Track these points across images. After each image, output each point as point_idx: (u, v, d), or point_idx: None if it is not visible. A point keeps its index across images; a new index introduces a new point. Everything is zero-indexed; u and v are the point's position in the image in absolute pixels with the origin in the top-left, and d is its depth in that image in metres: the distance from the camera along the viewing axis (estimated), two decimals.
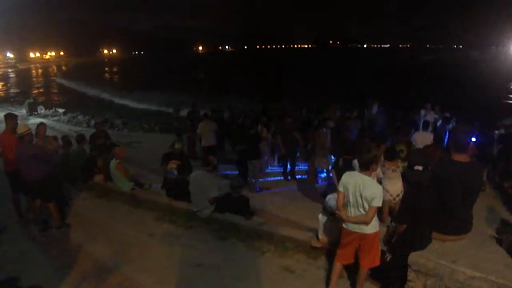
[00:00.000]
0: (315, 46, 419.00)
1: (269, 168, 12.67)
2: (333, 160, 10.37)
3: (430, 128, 12.33)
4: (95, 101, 42.96)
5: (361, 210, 4.84)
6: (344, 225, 5.15)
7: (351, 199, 4.91)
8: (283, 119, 11.59)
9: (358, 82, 49.26)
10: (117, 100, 42.99)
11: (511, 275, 4.30)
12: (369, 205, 4.75)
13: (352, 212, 4.95)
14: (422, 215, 4.68)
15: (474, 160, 4.86)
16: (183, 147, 10.77)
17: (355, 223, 4.96)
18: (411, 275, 4.78)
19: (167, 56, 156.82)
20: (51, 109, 31.64)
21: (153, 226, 8.17)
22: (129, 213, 8.92)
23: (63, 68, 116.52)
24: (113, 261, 6.72)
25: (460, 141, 4.62)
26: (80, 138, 11.38)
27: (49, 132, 10.01)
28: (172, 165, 9.69)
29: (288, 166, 11.56)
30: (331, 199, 6.44)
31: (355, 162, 8.32)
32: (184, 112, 16.94)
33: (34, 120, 22.82)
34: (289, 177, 11.47)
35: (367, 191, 4.74)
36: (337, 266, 5.32)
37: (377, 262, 5.06)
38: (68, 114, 29.33)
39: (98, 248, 7.22)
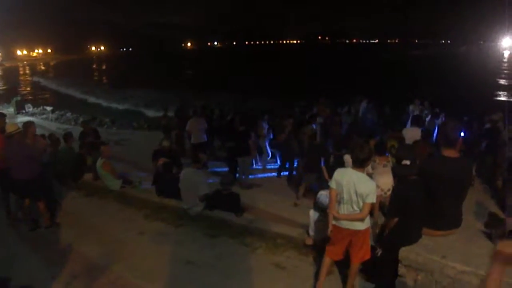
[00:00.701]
0: (303, 41, 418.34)
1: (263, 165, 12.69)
2: None
3: (419, 123, 12.38)
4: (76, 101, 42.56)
5: (355, 207, 4.81)
6: (334, 221, 5.12)
7: (345, 196, 4.86)
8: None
9: (347, 77, 49.35)
10: (93, 100, 42.76)
11: None
12: (363, 202, 4.73)
13: (344, 209, 4.92)
14: (411, 210, 4.70)
15: (463, 155, 4.88)
16: (171, 145, 10.74)
17: (350, 220, 4.93)
18: (401, 270, 4.81)
19: (154, 53, 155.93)
20: (39, 107, 31.42)
21: (143, 224, 8.12)
22: (119, 212, 8.87)
23: (41, 67, 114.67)
24: (104, 260, 6.67)
25: (449, 136, 4.64)
26: (68, 136, 11.27)
27: (37, 130, 9.91)
28: (161, 162, 9.67)
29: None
30: (322, 195, 6.44)
31: (346, 157, 8.37)
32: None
33: (22, 119, 22.61)
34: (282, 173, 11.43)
35: (361, 188, 4.71)
36: (327, 261, 5.28)
37: (367, 256, 5.05)
38: (56, 112, 29.15)
39: (88, 247, 7.17)
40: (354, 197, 4.77)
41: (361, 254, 5.02)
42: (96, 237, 7.59)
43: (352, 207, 4.84)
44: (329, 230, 5.13)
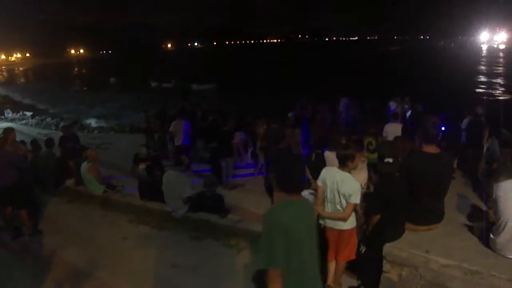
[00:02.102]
0: (283, 40, 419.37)
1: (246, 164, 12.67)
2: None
3: (400, 119, 12.47)
4: None
5: (338, 206, 4.83)
6: (321, 221, 5.14)
7: (329, 195, 4.92)
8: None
9: (327, 75, 49.50)
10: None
11: (483, 261, 4.38)
12: (346, 202, 4.76)
13: (329, 208, 4.95)
14: (394, 206, 4.72)
15: (443, 151, 4.92)
16: (148, 151, 10.65)
17: (332, 219, 4.96)
18: (386, 266, 4.82)
19: (134, 55, 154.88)
20: (19, 112, 31.00)
21: (127, 228, 8.07)
22: (102, 217, 8.80)
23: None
24: (88, 266, 6.62)
25: (429, 132, 4.68)
26: (49, 142, 11.14)
27: (17, 136, 9.81)
28: (142, 166, 9.62)
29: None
30: (304, 194, 6.45)
31: (327, 154, 8.38)
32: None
33: (1, 125, 22.30)
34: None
35: (344, 188, 4.74)
36: (332, 265, 5.25)
37: (352, 256, 5.08)
38: (36, 117, 28.77)
39: (72, 254, 7.11)
40: (337, 197, 4.79)
41: (346, 253, 5.05)
42: (80, 243, 7.52)
43: (336, 207, 4.86)
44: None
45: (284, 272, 3.07)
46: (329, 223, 5.01)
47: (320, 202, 5.05)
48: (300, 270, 3.19)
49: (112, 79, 62.92)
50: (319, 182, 5.05)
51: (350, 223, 4.95)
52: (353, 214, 4.96)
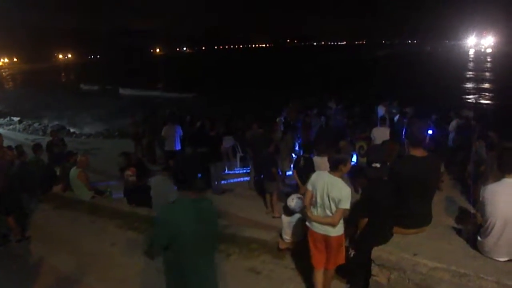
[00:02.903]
0: (272, 45, 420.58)
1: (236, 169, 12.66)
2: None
3: (388, 123, 12.53)
4: None
5: (328, 211, 4.77)
6: (308, 223, 5.10)
7: (318, 199, 4.84)
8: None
9: (317, 79, 49.70)
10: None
11: (471, 264, 4.39)
12: (336, 207, 4.69)
13: (318, 212, 4.90)
14: (382, 210, 4.73)
15: (430, 154, 4.94)
16: (129, 158, 10.56)
17: (321, 223, 4.89)
18: (374, 269, 4.82)
19: (124, 60, 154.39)
20: (5, 117, 30.75)
21: (115, 234, 8.02)
22: (90, 223, 8.73)
23: None
24: (76, 273, 6.57)
25: (415, 136, 4.70)
26: (37, 147, 11.05)
27: (4, 142, 9.75)
28: (129, 172, 9.56)
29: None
30: (292, 199, 6.45)
31: (316, 159, 8.40)
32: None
33: None
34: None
35: (334, 192, 4.68)
36: (319, 274, 5.17)
37: (341, 260, 5.03)
38: (24, 122, 28.54)
39: (60, 260, 7.04)
40: (326, 201, 4.74)
41: (335, 260, 4.99)
42: (68, 250, 7.46)
43: (325, 211, 4.81)
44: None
45: (169, 266, 3.52)
46: (317, 228, 4.95)
47: (309, 206, 5.02)
48: (186, 266, 3.43)
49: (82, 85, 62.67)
50: (308, 186, 5.00)
51: (338, 230, 4.88)
52: (342, 221, 4.89)
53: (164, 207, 3.63)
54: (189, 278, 3.47)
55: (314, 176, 5.03)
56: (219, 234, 4.08)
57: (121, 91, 53.29)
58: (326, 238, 4.90)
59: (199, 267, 3.49)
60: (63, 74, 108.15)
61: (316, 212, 4.94)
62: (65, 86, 63.23)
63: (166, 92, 43.93)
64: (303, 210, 5.86)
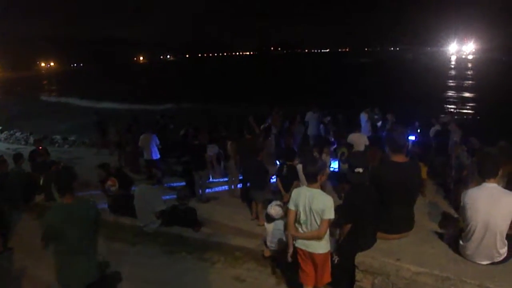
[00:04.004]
0: (256, 53, 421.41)
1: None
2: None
3: (368, 128, 12.69)
4: None
5: (314, 226, 4.67)
6: (294, 242, 4.96)
7: (302, 216, 4.72)
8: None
9: (300, 87, 49.90)
10: None
11: (454, 268, 4.44)
12: (321, 218, 4.59)
13: (304, 229, 4.77)
14: (365, 216, 4.75)
15: (411, 159, 5.00)
16: (108, 168, 10.48)
17: (307, 238, 4.77)
18: (358, 275, 4.85)
19: (107, 68, 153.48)
20: None
21: (98, 244, 7.92)
22: None
23: None
24: None
25: (396, 142, 4.75)
26: (17, 157, 10.91)
27: None
28: (110, 182, 9.49)
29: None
30: (272, 206, 6.46)
31: (299, 167, 8.43)
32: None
33: None
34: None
35: (316, 204, 4.58)
36: None
37: (327, 280, 4.93)
38: (5, 132, 28.12)
39: (43, 272, 6.90)
40: (310, 216, 4.63)
41: (319, 277, 4.89)
42: (51, 261, 7.35)
43: (311, 227, 4.70)
44: (288, 255, 5.08)
45: (55, 254, 4.63)
46: (303, 245, 4.84)
47: (292, 225, 4.86)
48: (68, 254, 4.54)
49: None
50: (291, 206, 4.84)
51: (326, 247, 4.78)
52: (327, 238, 4.79)
53: (48, 211, 4.72)
54: (72, 257, 4.57)
55: (294, 194, 4.88)
56: (99, 221, 4.92)
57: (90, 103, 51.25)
58: (312, 256, 4.78)
59: (80, 248, 4.56)
60: (41, 82, 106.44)
61: (301, 229, 4.81)
62: (26, 96, 61.92)
63: (147, 105, 42.81)
64: (284, 218, 5.82)
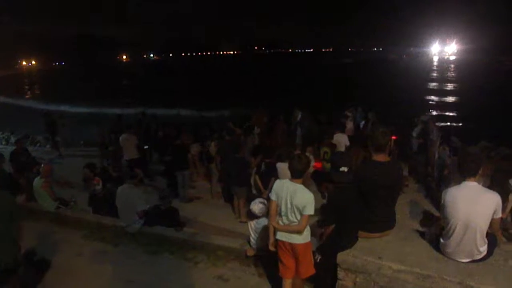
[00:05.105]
0: (240, 52, 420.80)
1: None
2: None
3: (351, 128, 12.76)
4: None
5: (293, 219, 4.75)
6: (276, 236, 5.02)
7: (283, 208, 4.80)
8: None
9: (283, 86, 50.01)
10: None
11: (434, 266, 4.48)
12: (301, 214, 4.67)
13: (284, 221, 4.86)
14: (348, 216, 4.77)
15: (393, 159, 5.04)
16: (94, 168, 10.40)
17: (288, 232, 4.85)
18: (340, 273, 4.87)
19: (90, 66, 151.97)
20: None
21: (81, 245, 7.87)
22: (55, 233, 8.55)
23: None
24: (41, 284, 6.45)
25: (377, 141, 4.77)
26: None
27: None
28: (95, 182, 9.43)
29: None
30: (255, 203, 6.46)
31: (279, 165, 8.45)
32: None
33: None
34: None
35: (297, 199, 4.65)
36: (287, 284, 5.12)
37: (311, 271, 4.98)
38: None
39: (25, 272, 6.87)
40: (290, 209, 4.72)
41: (303, 269, 4.93)
42: (32, 261, 7.28)
43: (290, 220, 4.79)
44: (270, 243, 5.11)
45: None
46: (283, 237, 4.91)
47: (274, 216, 4.98)
48: None
49: None
50: (272, 196, 4.96)
51: (305, 238, 4.84)
52: (308, 228, 4.86)
53: None
54: None
55: (276, 186, 4.98)
56: (15, 212, 5.38)
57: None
58: (293, 246, 4.85)
59: None
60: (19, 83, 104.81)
61: (281, 221, 4.90)
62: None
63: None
64: (267, 216, 5.83)
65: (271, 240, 5.09)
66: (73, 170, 13.02)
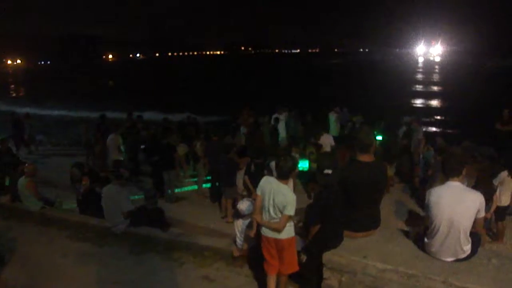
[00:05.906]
0: (226, 52, 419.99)
1: None
2: None
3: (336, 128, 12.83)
4: None
5: (274, 215, 4.79)
6: (261, 231, 5.09)
7: (266, 203, 4.85)
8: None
9: (270, 87, 50.02)
10: None
11: (419, 265, 4.54)
12: (281, 213, 4.71)
13: (267, 217, 4.90)
14: (334, 216, 4.80)
15: (377, 159, 5.09)
16: (83, 168, 10.36)
17: (269, 228, 4.90)
18: (326, 273, 4.91)
19: (75, 66, 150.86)
20: None
21: (66, 245, 7.80)
22: (40, 234, 8.46)
23: None
24: (26, 285, 6.40)
25: (362, 142, 4.82)
26: None
27: None
28: (83, 182, 9.38)
29: None
30: (243, 202, 6.47)
31: (272, 164, 8.48)
32: None
33: None
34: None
35: (278, 198, 4.70)
36: (271, 280, 5.14)
37: (295, 268, 4.99)
38: None
39: (10, 274, 6.80)
40: (272, 207, 4.77)
41: (286, 264, 4.95)
42: (17, 262, 7.20)
43: (272, 216, 4.83)
44: (252, 232, 5.16)
45: None
46: (266, 232, 4.96)
47: (258, 210, 5.02)
48: None
49: None
50: (258, 191, 5.00)
51: (288, 233, 4.86)
52: (291, 224, 4.88)
53: None
54: None
55: (262, 182, 5.03)
56: None
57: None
58: (277, 242, 4.88)
59: None
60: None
61: (265, 216, 4.94)
62: None
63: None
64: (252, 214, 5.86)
65: (253, 232, 5.23)
66: (60, 169, 12.94)
